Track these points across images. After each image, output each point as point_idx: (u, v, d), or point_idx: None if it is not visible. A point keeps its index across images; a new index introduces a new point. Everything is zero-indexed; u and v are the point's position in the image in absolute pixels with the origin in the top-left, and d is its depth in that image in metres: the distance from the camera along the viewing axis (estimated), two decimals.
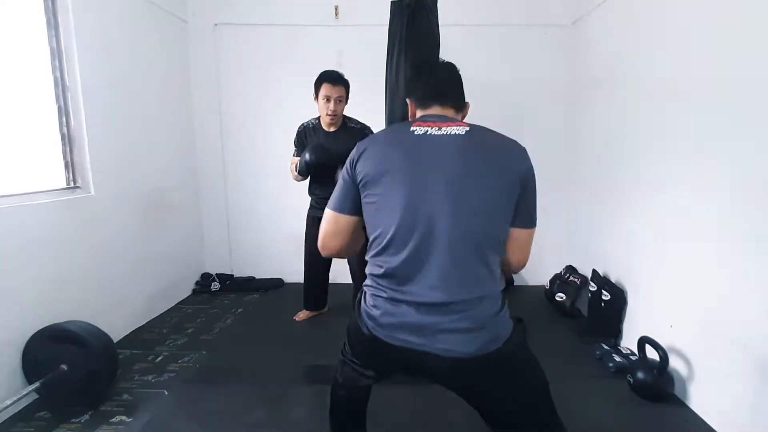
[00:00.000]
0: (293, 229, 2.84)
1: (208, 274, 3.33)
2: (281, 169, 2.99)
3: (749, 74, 1.50)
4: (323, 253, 1.11)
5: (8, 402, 1.61)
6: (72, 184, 2.17)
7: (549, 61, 3.12)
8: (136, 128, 2.57)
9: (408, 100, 1.15)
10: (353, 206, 1.03)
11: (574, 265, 2.97)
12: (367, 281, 1.05)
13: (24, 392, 1.67)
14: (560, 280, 2.91)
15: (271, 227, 3.34)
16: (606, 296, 2.35)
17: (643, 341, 1.92)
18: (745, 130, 1.52)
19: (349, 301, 2.64)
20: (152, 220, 2.71)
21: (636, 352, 2.03)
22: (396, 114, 2.16)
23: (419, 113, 1.10)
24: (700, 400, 1.75)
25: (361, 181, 0.99)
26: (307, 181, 2.42)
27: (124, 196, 2.46)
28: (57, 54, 2.08)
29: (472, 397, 1.02)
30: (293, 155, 2.42)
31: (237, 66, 3.19)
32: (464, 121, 1.05)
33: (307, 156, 2.18)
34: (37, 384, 1.69)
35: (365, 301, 1.03)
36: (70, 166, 2.17)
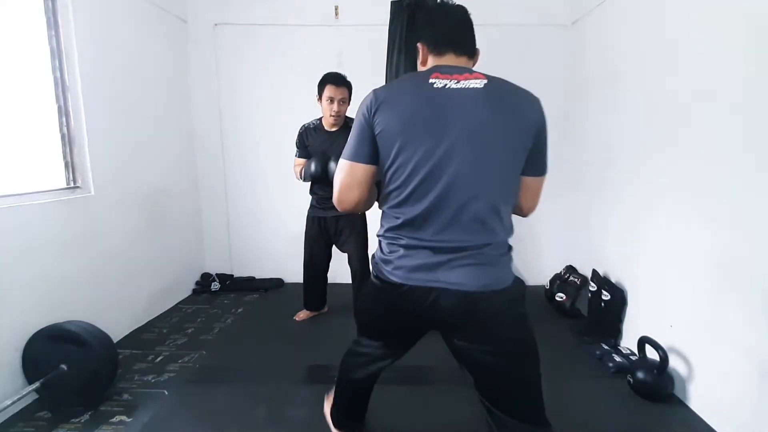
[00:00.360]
0: (293, 229, 2.85)
1: (208, 274, 3.33)
2: (281, 169, 2.99)
3: (749, 74, 1.51)
4: (340, 207, 1.09)
5: (8, 402, 1.61)
6: (72, 184, 2.17)
7: (549, 61, 3.13)
8: (136, 128, 2.57)
9: (420, 44, 1.12)
10: (371, 155, 1.03)
11: (574, 265, 2.97)
12: (383, 232, 1.08)
13: (24, 392, 1.67)
14: (560, 280, 2.91)
15: (271, 227, 3.34)
16: (606, 296, 2.35)
17: (643, 341, 1.92)
18: (745, 129, 1.52)
19: (350, 301, 2.64)
20: (152, 220, 2.72)
21: (636, 352, 2.03)
22: None
23: (432, 60, 1.09)
24: (700, 400, 1.75)
25: (381, 131, 1.00)
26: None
27: (124, 196, 2.46)
28: (57, 54, 2.08)
29: (469, 348, 1.05)
30: (296, 156, 2.43)
31: (237, 66, 3.19)
32: (478, 71, 1.04)
33: (312, 168, 2.18)
34: (37, 384, 1.69)
35: (381, 251, 1.09)
36: (70, 166, 2.17)
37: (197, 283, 3.27)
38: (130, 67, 2.53)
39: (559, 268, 3.05)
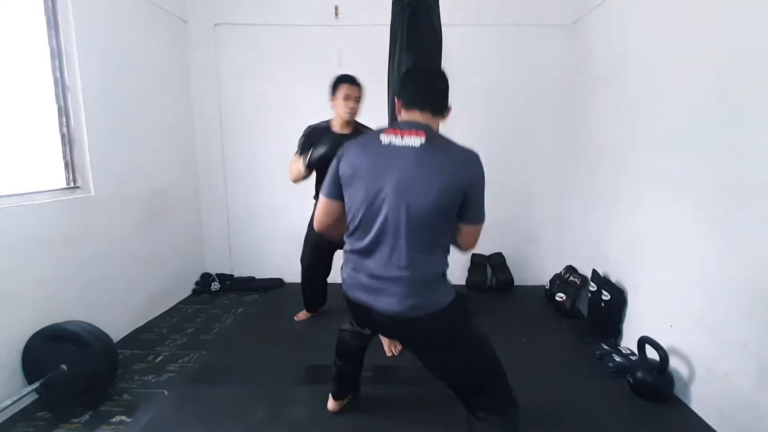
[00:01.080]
0: (293, 229, 2.84)
1: (208, 274, 3.33)
2: (281, 169, 2.98)
3: (749, 74, 1.51)
4: (317, 228, 1.36)
5: (8, 402, 1.61)
6: (72, 184, 2.17)
7: (549, 61, 3.12)
8: (136, 128, 2.57)
9: (396, 98, 1.32)
10: (338, 193, 1.27)
11: (574, 265, 2.97)
12: (344, 253, 1.33)
13: (24, 392, 1.67)
14: (560, 280, 2.91)
15: (271, 227, 3.34)
16: (606, 296, 2.35)
17: (643, 341, 1.92)
18: (745, 130, 1.52)
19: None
20: (152, 220, 2.71)
21: (636, 352, 2.03)
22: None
23: (402, 113, 1.28)
24: (700, 400, 1.75)
25: (341, 177, 1.24)
26: (312, 182, 2.38)
27: (124, 196, 2.46)
28: (57, 54, 2.08)
29: (411, 348, 1.32)
30: (296, 154, 2.31)
31: (237, 66, 3.19)
32: (423, 130, 1.19)
33: (323, 150, 2.08)
34: (37, 384, 1.69)
35: (342, 268, 1.33)
36: (70, 166, 2.17)
37: (197, 283, 3.26)
38: (131, 67, 2.53)
39: (559, 268, 3.05)
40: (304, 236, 2.55)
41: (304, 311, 2.71)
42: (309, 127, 2.37)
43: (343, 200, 1.27)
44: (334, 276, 2.68)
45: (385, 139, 1.19)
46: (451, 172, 1.14)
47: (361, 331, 1.56)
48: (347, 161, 1.22)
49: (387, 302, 1.19)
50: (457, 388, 1.31)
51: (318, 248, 2.48)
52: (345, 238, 1.31)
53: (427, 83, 1.29)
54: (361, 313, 1.28)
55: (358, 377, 1.75)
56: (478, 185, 1.20)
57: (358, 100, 2.27)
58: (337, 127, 2.32)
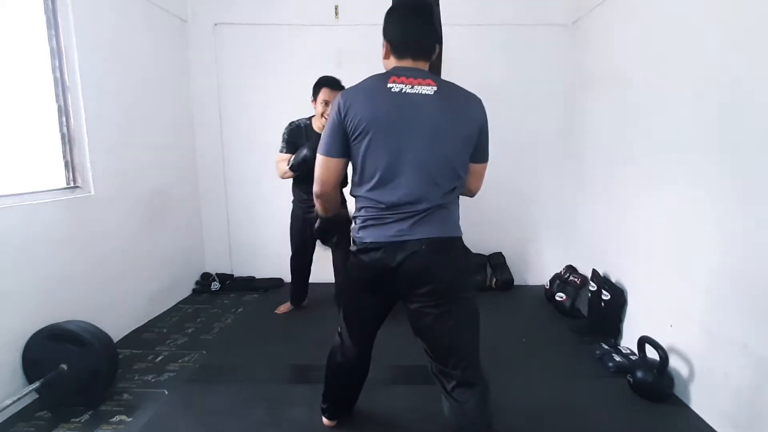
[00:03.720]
0: None
1: (208, 274, 3.33)
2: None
3: (749, 74, 1.50)
4: (319, 191, 1.30)
5: (8, 402, 1.61)
6: (72, 184, 2.17)
7: (549, 61, 3.12)
8: (136, 128, 2.57)
9: (384, 41, 1.26)
10: (343, 150, 1.22)
11: (574, 265, 2.97)
12: (357, 212, 1.29)
13: (24, 392, 1.67)
14: (560, 280, 2.91)
15: (271, 227, 3.34)
16: (606, 296, 2.35)
17: (643, 341, 1.92)
18: (744, 129, 1.52)
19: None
20: (152, 219, 2.71)
21: (636, 351, 2.03)
22: None
23: (393, 60, 1.25)
24: (700, 400, 1.75)
25: (350, 130, 1.18)
26: (294, 180, 2.44)
27: (124, 196, 2.46)
28: (57, 54, 2.08)
29: (421, 298, 1.24)
30: (281, 151, 2.41)
31: (237, 66, 3.19)
32: (430, 77, 1.20)
33: (305, 152, 2.18)
34: (37, 384, 1.69)
35: (358, 224, 1.28)
36: (70, 166, 2.17)
37: (197, 283, 3.27)
38: (130, 66, 2.53)
39: (559, 268, 3.05)
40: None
41: (288, 304, 2.80)
42: (292, 123, 2.42)
43: (347, 157, 1.23)
44: (323, 274, 2.74)
45: (394, 87, 1.15)
46: (469, 114, 1.21)
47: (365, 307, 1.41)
48: (355, 114, 1.16)
49: (422, 231, 1.19)
50: (446, 350, 1.27)
51: (299, 238, 2.58)
52: (360, 193, 1.25)
53: (420, 23, 1.23)
54: (391, 254, 1.20)
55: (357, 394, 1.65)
56: (487, 125, 1.27)
57: None
58: (317, 128, 2.35)
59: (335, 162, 1.24)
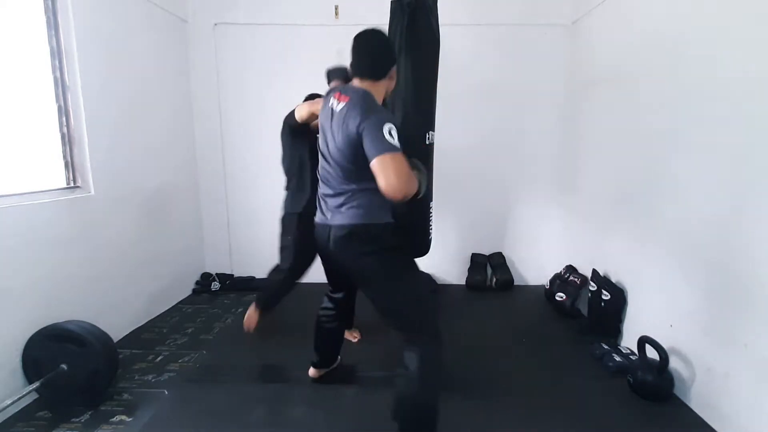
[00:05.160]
0: None
1: (208, 274, 3.33)
2: (281, 169, 2.98)
3: (749, 74, 1.50)
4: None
5: (8, 402, 1.61)
6: (72, 184, 2.17)
7: (549, 61, 3.12)
8: (136, 128, 2.57)
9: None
10: None
11: (574, 265, 2.97)
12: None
13: (24, 392, 1.68)
14: (560, 280, 2.91)
15: (271, 227, 3.30)
16: (606, 296, 2.35)
17: (643, 341, 1.92)
18: (744, 129, 1.52)
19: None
20: (152, 220, 2.72)
21: (636, 351, 2.03)
22: (397, 112, 2.16)
23: (353, 80, 1.52)
24: (700, 400, 1.75)
25: None
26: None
27: (124, 196, 2.46)
28: (57, 54, 2.08)
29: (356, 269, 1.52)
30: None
31: (237, 66, 3.19)
32: (350, 96, 1.43)
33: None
34: (37, 384, 1.69)
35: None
36: (70, 166, 2.17)
37: (197, 283, 3.27)
38: (130, 66, 2.53)
39: (559, 268, 3.05)
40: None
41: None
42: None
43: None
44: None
45: (332, 102, 1.47)
46: (350, 125, 1.37)
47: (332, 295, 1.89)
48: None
49: (339, 218, 1.46)
50: (384, 311, 1.51)
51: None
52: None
53: (363, 54, 1.49)
54: (321, 234, 1.53)
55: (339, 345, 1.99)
56: (369, 126, 1.35)
57: None
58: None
59: None
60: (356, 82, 1.48)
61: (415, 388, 1.41)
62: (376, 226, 1.46)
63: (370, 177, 1.34)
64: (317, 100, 2.18)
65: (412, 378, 1.40)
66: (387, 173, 1.30)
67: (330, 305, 1.91)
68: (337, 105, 1.44)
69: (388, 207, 1.48)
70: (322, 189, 1.55)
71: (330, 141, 1.45)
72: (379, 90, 1.48)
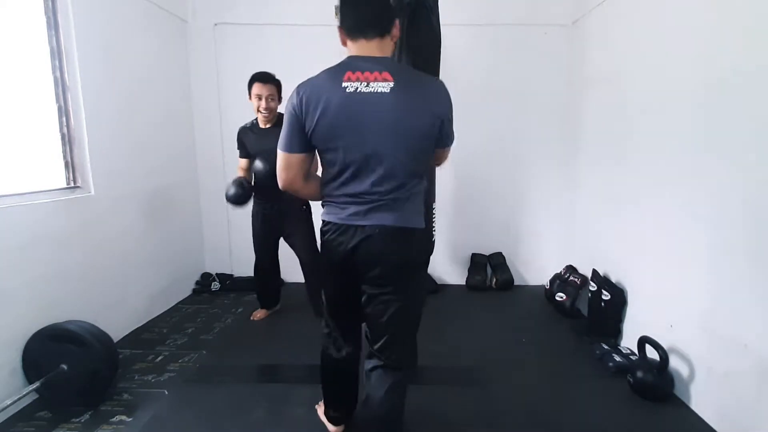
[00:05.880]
0: None
1: (208, 274, 3.33)
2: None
3: (749, 74, 1.50)
4: (283, 186, 1.29)
5: (8, 402, 1.61)
6: (72, 184, 2.17)
7: (549, 61, 3.12)
8: (136, 128, 2.57)
9: (338, 28, 1.24)
10: (301, 146, 1.22)
11: (574, 265, 2.97)
12: (329, 198, 1.29)
13: (24, 392, 1.68)
14: (560, 280, 2.91)
15: None
16: (606, 296, 2.35)
17: (643, 341, 1.92)
18: (744, 129, 1.52)
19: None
20: (152, 220, 2.71)
21: (636, 351, 2.03)
22: None
23: (349, 46, 1.23)
24: (700, 400, 1.75)
25: (309, 131, 1.19)
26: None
27: (124, 196, 2.46)
28: (57, 54, 2.08)
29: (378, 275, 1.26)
30: (239, 156, 2.52)
31: (237, 66, 3.18)
32: (387, 70, 1.15)
33: (259, 165, 2.26)
34: (37, 384, 1.69)
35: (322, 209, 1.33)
36: (70, 166, 2.17)
37: (197, 283, 3.26)
38: (130, 66, 2.53)
39: (559, 268, 3.05)
40: None
41: (262, 310, 2.76)
42: (240, 127, 2.50)
43: (307, 152, 1.23)
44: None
45: (349, 86, 1.13)
46: (428, 110, 1.19)
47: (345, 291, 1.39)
48: (312, 117, 1.16)
49: (379, 218, 1.22)
50: (380, 334, 1.31)
51: (261, 236, 2.57)
52: (331, 185, 1.26)
53: (362, 6, 1.20)
54: (346, 241, 1.24)
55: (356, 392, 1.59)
56: (448, 112, 1.26)
57: (272, 98, 2.33)
58: (261, 123, 2.42)
59: (296, 158, 1.24)
60: (359, 46, 1.19)
61: (391, 411, 1.33)
62: (426, 232, 1.33)
63: (423, 172, 1.28)
64: None
65: (391, 400, 1.31)
66: (446, 158, 1.39)
67: (348, 349, 1.48)
68: (377, 85, 1.13)
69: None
70: (355, 185, 1.22)
71: (382, 135, 1.15)
72: (389, 51, 1.23)
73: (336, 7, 1.27)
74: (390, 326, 1.29)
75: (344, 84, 1.13)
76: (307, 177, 1.30)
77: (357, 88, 1.13)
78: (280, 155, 1.25)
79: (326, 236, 1.30)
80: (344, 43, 1.24)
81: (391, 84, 1.13)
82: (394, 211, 1.22)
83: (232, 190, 2.29)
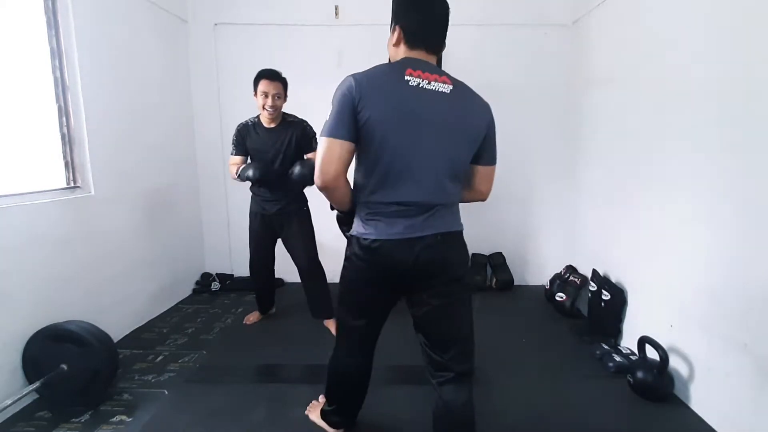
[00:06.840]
0: None
1: (208, 274, 3.33)
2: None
3: (749, 74, 1.50)
4: (327, 182, 1.15)
5: (8, 402, 1.61)
6: (72, 184, 2.17)
7: (549, 60, 3.12)
8: (136, 128, 2.57)
9: (397, 27, 1.19)
10: (351, 133, 1.11)
11: (574, 265, 2.97)
12: (365, 206, 1.22)
13: (24, 392, 1.67)
14: (560, 280, 2.91)
15: None
16: (606, 296, 2.35)
17: (643, 341, 1.92)
18: (744, 130, 1.52)
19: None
20: (152, 219, 2.72)
21: (636, 351, 2.03)
22: None
23: (403, 49, 1.19)
24: (700, 400, 1.75)
25: (362, 119, 1.10)
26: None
27: (124, 196, 2.46)
28: (57, 54, 2.08)
29: (433, 291, 1.23)
30: (232, 153, 2.35)
31: (237, 66, 3.19)
32: (446, 74, 1.17)
33: (250, 173, 2.16)
34: (37, 384, 1.69)
35: (361, 225, 1.23)
36: (70, 166, 2.17)
37: (197, 283, 3.27)
38: (130, 66, 2.53)
39: (559, 268, 3.05)
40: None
41: (256, 313, 2.70)
42: (240, 124, 2.36)
43: (355, 142, 1.13)
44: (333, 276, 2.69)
45: (412, 80, 1.10)
46: (477, 119, 1.19)
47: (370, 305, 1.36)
48: (369, 103, 1.08)
49: (437, 225, 1.18)
50: (450, 343, 1.26)
51: (258, 237, 2.46)
52: (367, 192, 1.18)
53: (441, 16, 1.18)
54: (405, 256, 1.17)
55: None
56: (494, 130, 1.25)
57: (278, 96, 2.23)
58: (265, 121, 2.30)
59: (341, 145, 1.10)
60: (417, 54, 1.17)
61: (473, 415, 1.30)
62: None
63: (463, 176, 1.25)
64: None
65: (467, 412, 1.28)
66: (491, 182, 1.32)
67: (367, 358, 1.49)
68: (438, 85, 1.13)
69: None
70: (394, 196, 1.16)
71: (435, 134, 1.13)
72: None
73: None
74: (462, 332, 1.27)
75: (407, 77, 1.10)
76: (344, 176, 1.18)
77: (419, 83, 1.11)
78: (325, 144, 1.11)
79: (374, 255, 1.19)
80: (396, 44, 1.21)
81: (450, 87, 1.14)
82: (446, 216, 1.21)
83: (251, 170, 2.17)
